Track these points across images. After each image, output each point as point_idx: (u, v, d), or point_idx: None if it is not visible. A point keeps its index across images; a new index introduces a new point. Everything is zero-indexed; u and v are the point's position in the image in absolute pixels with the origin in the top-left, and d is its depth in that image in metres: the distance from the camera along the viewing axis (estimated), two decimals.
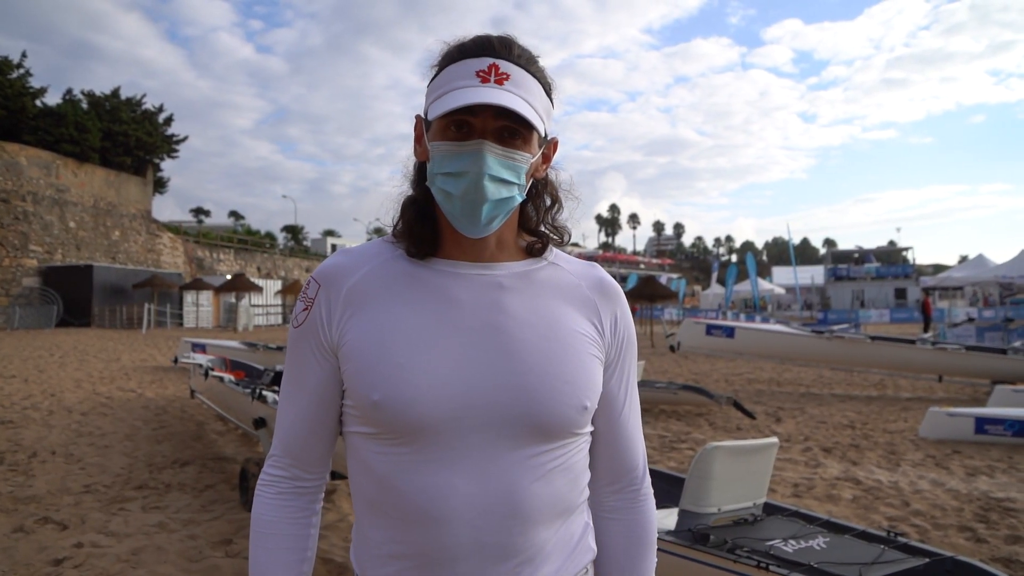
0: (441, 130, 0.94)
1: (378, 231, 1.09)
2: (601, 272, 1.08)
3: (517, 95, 0.92)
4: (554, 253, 1.06)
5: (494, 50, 0.94)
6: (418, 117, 1.02)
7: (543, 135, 0.98)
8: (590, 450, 1.07)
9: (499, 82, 0.92)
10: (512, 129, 0.93)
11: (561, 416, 0.95)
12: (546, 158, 1.03)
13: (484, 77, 0.92)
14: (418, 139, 1.02)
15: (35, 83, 33.32)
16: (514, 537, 0.93)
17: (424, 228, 1.00)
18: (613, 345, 1.04)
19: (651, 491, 1.12)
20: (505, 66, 0.93)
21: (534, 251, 1.04)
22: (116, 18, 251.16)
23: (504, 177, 0.93)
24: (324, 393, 1.00)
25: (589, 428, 1.03)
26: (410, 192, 1.04)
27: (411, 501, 0.93)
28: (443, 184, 0.94)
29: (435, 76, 0.97)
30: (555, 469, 0.96)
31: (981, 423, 6.99)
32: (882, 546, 2.97)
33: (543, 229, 1.06)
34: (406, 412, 0.91)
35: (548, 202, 1.07)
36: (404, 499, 0.93)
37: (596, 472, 1.09)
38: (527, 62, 0.96)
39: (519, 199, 0.97)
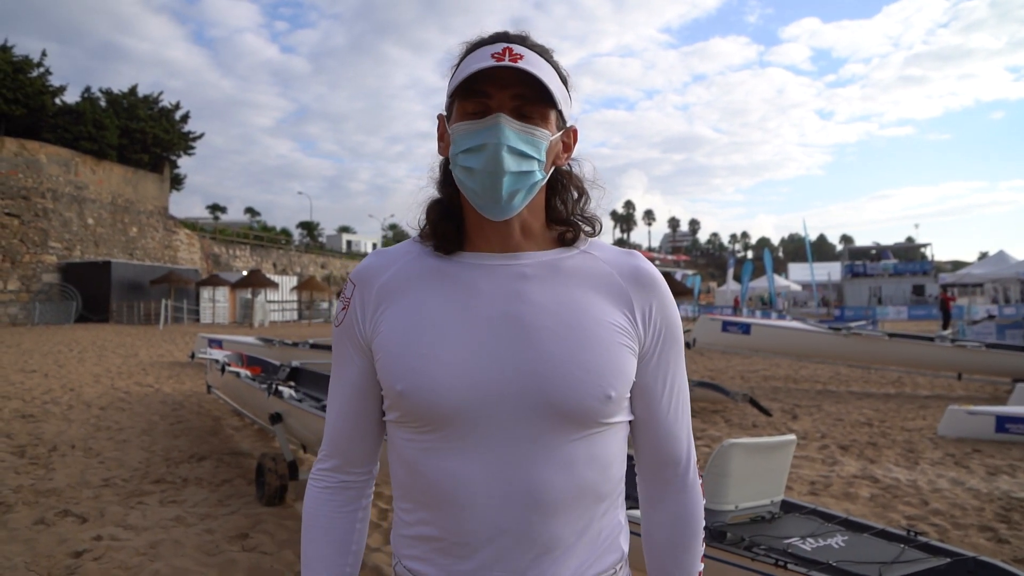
0: (460, 113, 0.97)
1: (393, 228, 1.10)
2: (639, 260, 1.05)
3: (531, 70, 0.93)
4: (588, 242, 1.06)
5: (508, 38, 0.97)
6: (440, 116, 1.04)
7: (561, 117, 0.99)
8: (635, 440, 1.07)
9: (513, 60, 0.93)
10: (529, 105, 0.94)
11: (581, 404, 0.94)
12: (567, 146, 1.03)
13: (499, 57, 0.93)
14: (441, 136, 1.04)
15: (65, 83, 33.76)
16: (534, 527, 0.93)
17: (449, 225, 1.02)
18: (648, 336, 1.02)
19: (697, 482, 1.10)
20: (519, 49, 0.95)
21: (565, 240, 1.04)
22: (144, 20, 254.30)
23: (522, 149, 0.94)
24: (363, 388, 1.04)
25: (623, 418, 1.02)
26: (435, 195, 1.06)
27: (435, 486, 0.95)
28: (463, 161, 0.95)
29: (455, 72, 1.00)
30: (580, 459, 0.96)
31: (1002, 422, 6.89)
32: (902, 545, 2.93)
33: (574, 220, 1.06)
34: (425, 401, 0.94)
35: (575, 194, 1.07)
36: (429, 484, 0.96)
37: (640, 462, 1.09)
38: (541, 51, 0.98)
39: (539, 176, 0.97)
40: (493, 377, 0.94)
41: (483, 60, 0.94)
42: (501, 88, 0.94)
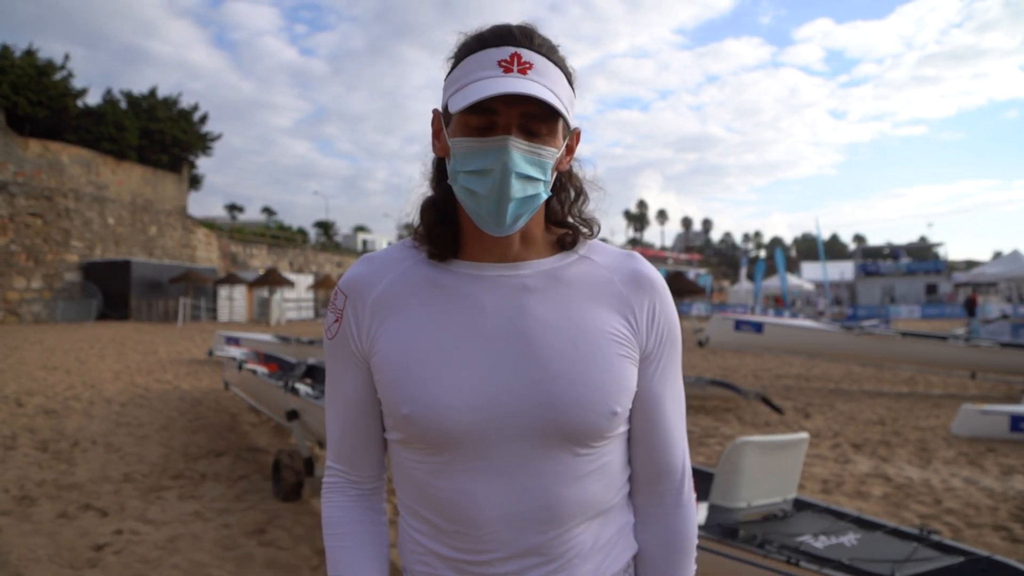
0: (462, 125, 0.90)
1: (408, 227, 1.09)
2: (638, 263, 1.03)
3: (542, 84, 0.88)
4: (587, 246, 1.02)
5: (515, 39, 0.90)
6: (436, 111, 0.99)
7: (567, 123, 0.93)
8: (631, 450, 1.05)
9: (523, 71, 0.87)
10: (538, 122, 0.89)
11: (590, 423, 0.93)
12: (569, 150, 0.99)
13: (507, 67, 0.87)
14: (436, 134, 0.99)
15: (87, 86, 34.12)
16: (551, 542, 0.94)
17: (445, 230, 0.98)
18: (649, 340, 1.00)
19: (692, 497, 1.07)
20: (528, 55, 0.89)
21: (565, 244, 1.01)
22: (167, 24, 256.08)
23: (530, 174, 0.89)
24: (363, 401, 1.01)
25: (625, 427, 1.01)
26: (429, 192, 1.02)
27: (446, 508, 0.95)
28: (466, 182, 0.91)
29: (453, 68, 0.94)
30: (589, 474, 0.96)
31: (1016, 421, 6.83)
32: (915, 544, 2.93)
33: (571, 221, 1.02)
34: (434, 426, 0.92)
35: (573, 195, 1.03)
36: (440, 506, 0.95)
37: (633, 475, 1.06)
38: (549, 51, 0.92)
39: (545, 196, 0.94)
40: (502, 399, 0.92)
41: (488, 68, 0.88)
42: (509, 104, 0.87)
